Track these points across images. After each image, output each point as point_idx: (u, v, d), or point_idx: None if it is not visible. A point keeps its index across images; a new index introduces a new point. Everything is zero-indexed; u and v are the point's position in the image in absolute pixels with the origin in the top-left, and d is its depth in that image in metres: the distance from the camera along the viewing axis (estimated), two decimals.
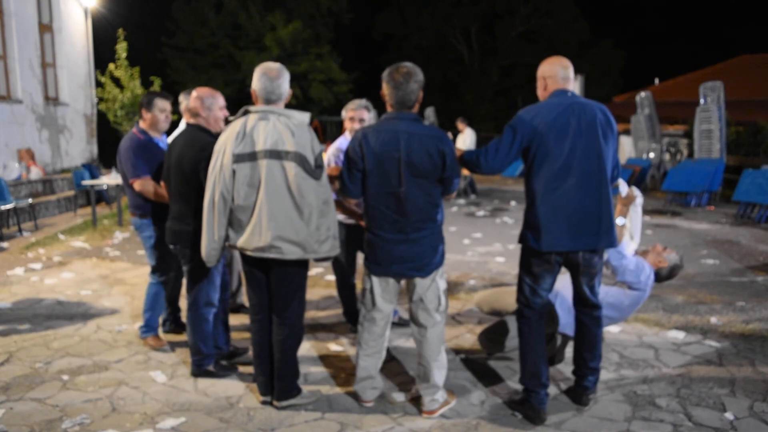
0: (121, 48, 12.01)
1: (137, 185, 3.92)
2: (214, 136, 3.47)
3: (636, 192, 3.83)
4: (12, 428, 3.10)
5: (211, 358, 3.67)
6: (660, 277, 3.91)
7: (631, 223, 3.83)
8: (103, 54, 13.82)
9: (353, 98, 4.88)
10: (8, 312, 5.01)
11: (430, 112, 19.39)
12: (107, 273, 6.24)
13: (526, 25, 34.12)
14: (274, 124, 3.02)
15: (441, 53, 35.68)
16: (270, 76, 3.09)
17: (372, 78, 3.26)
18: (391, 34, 35.74)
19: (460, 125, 13.20)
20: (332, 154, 4.24)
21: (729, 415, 3.23)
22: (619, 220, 3.74)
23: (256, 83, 3.11)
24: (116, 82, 12.26)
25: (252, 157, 3.02)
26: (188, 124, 3.60)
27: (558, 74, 3.18)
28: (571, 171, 3.04)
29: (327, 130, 26.86)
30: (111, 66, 12.12)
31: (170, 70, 29.53)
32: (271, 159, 2.98)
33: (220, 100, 3.58)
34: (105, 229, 8.78)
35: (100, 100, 12.52)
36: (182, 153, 3.46)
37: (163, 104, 4.06)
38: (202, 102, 3.51)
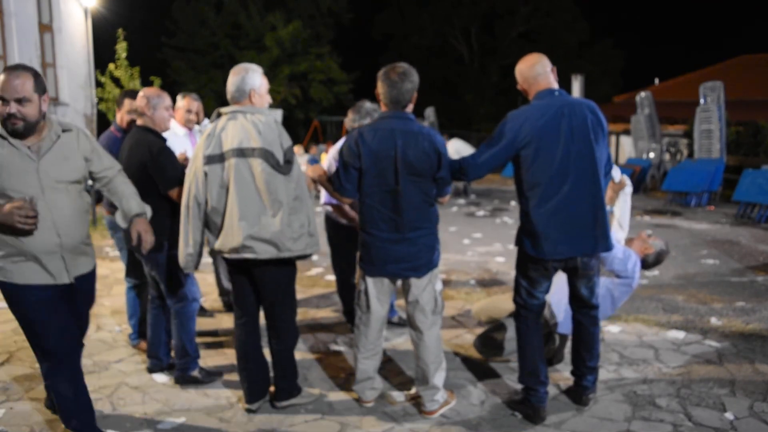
0: (121, 48, 12.01)
1: None
2: (161, 137, 3.48)
3: (627, 180, 3.85)
4: (12, 428, 3.10)
5: (196, 362, 3.61)
6: (647, 263, 3.92)
7: (620, 211, 3.84)
8: (103, 54, 13.80)
9: (353, 99, 4.85)
10: (8, 312, 4.99)
11: (430, 112, 19.36)
12: (107, 273, 6.24)
13: (526, 25, 34.13)
14: (242, 123, 3.00)
15: (441, 53, 35.67)
16: (232, 75, 3.10)
17: (372, 78, 3.26)
18: (391, 34, 35.72)
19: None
20: (332, 156, 4.23)
21: (729, 415, 3.23)
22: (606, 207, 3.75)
23: None
24: (116, 82, 12.26)
25: (221, 158, 3.01)
26: (134, 126, 3.56)
27: (538, 74, 3.10)
28: (565, 178, 2.99)
29: (327, 130, 26.89)
30: (111, 66, 12.12)
31: (170, 70, 29.53)
32: (237, 158, 2.96)
33: (166, 100, 3.53)
34: (105, 229, 8.78)
35: (100, 100, 12.52)
36: (131, 155, 3.41)
37: None
38: (148, 101, 3.47)
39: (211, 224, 3.11)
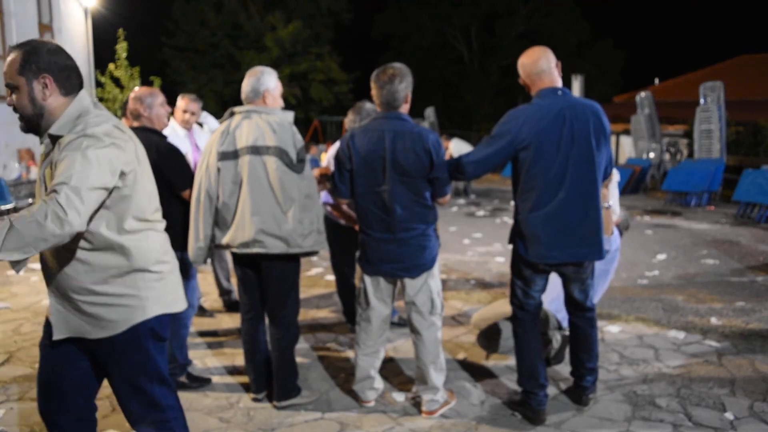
0: (121, 48, 12.01)
1: None
2: (162, 136, 3.45)
3: (614, 171, 3.93)
4: (12, 428, 3.10)
5: (184, 369, 3.58)
6: (620, 232, 4.10)
7: (613, 200, 3.91)
8: (103, 54, 13.80)
9: (353, 99, 4.88)
10: (8, 312, 5.00)
11: (430, 112, 19.37)
12: None
13: (526, 25, 34.13)
14: (257, 122, 3.09)
15: (441, 53, 35.67)
16: (248, 76, 3.18)
17: None
18: (391, 33, 35.72)
19: (444, 142, 13.14)
20: (332, 155, 4.23)
21: (729, 415, 3.23)
22: (603, 204, 3.80)
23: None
24: (116, 82, 12.27)
25: (235, 155, 3.08)
26: (132, 128, 3.44)
27: (542, 70, 3.01)
28: (562, 184, 2.94)
29: (327, 130, 26.86)
30: (111, 66, 12.13)
31: (170, 70, 29.56)
32: (252, 155, 3.04)
33: (159, 97, 3.49)
34: None
35: (100, 100, 12.51)
36: None
37: None
38: (142, 102, 3.42)
39: (220, 220, 3.16)
